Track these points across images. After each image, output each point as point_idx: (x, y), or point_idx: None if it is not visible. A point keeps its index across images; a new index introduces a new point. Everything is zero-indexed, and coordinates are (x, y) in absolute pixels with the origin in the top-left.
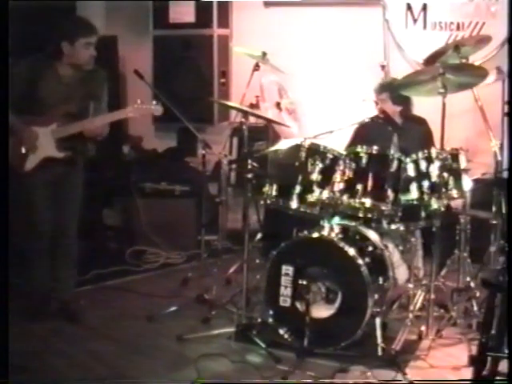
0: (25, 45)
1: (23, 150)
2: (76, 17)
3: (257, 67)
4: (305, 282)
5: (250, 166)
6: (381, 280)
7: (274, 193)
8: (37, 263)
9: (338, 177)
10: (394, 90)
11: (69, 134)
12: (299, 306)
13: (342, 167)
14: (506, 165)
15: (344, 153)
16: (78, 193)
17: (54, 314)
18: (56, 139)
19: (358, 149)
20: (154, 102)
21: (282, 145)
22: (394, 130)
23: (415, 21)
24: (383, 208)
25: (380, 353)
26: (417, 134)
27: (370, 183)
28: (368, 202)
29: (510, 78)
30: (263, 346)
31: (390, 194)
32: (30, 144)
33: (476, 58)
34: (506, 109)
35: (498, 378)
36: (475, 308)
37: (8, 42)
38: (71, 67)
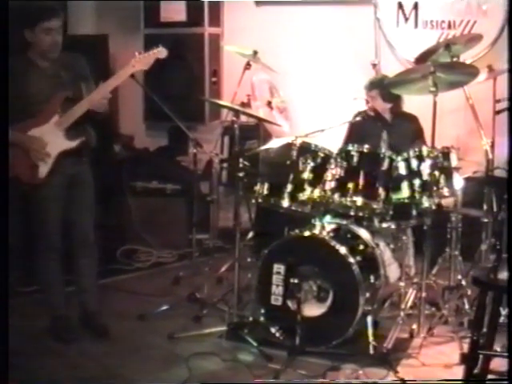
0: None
1: (32, 159)
2: (36, 2)
3: (248, 66)
4: (296, 281)
5: (241, 165)
6: (372, 278)
7: (265, 191)
8: (53, 280)
9: (329, 175)
10: (384, 87)
11: (75, 120)
12: (291, 304)
13: (333, 166)
14: (497, 163)
15: (335, 151)
16: (91, 192)
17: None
18: (64, 129)
19: (349, 147)
20: (157, 48)
21: (274, 143)
22: (384, 127)
23: (406, 19)
24: (374, 206)
25: (371, 351)
26: (407, 131)
27: (361, 182)
28: (359, 200)
29: (510, 74)
30: (255, 344)
31: (382, 192)
32: (38, 149)
33: (467, 57)
34: (500, 106)
35: (493, 377)
36: (466, 306)
37: (8, 43)
38: (41, 56)
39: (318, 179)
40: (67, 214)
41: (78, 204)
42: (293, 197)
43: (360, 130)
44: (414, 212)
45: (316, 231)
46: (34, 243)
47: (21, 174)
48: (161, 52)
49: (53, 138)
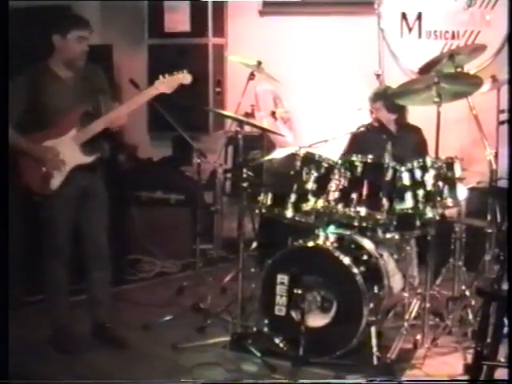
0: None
1: (44, 170)
2: (69, 11)
3: (252, 76)
4: (300, 291)
5: (245, 175)
6: (376, 289)
7: (269, 202)
8: (60, 290)
9: (333, 186)
10: (388, 98)
11: (92, 135)
12: (294, 314)
13: (337, 176)
14: (500, 174)
15: (339, 162)
16: (104, 204)
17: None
18: (80, 144)
19: (353, 158)
20: (182, 73)
21: (277, 154)
22: (388, 139)
23: (410, 30)
24: (378, 217)
25: (375, 362)
26: (411, 142)
27: (364, 192)
28: (363, 210)
29: (510, 85)
30: (258, 354)
31: (385, 202)
32: (52, 160)
33: (471, 67)
34: (504, 117)
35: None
36: (470, 316)
37: (8, 44)
38: (65, 65)
39: (321, 189)
40: (80, 225)
41: (90, 215)
42: (296, 207)
43: (363, 140)
44: (418, 222)
45: (320, 241)
46: (42, 253)
47: (32, 183)
48: (185, 77)
49: (68, 152)
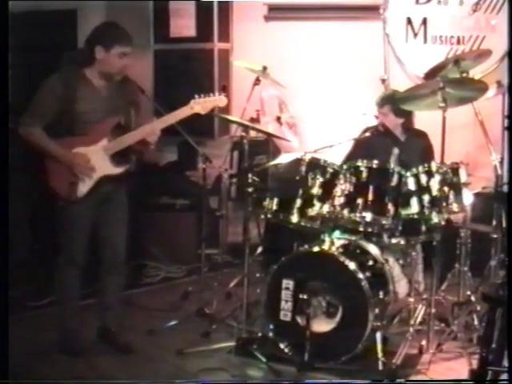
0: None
1: (74, 177)
2: (114, 24)
3: (257, 81)
4: (305, 296)
5: (250, 180)
6: (381, 294)
7: (274, 207)
8: (71, 295)
9: (338, 191)
10: (395, 102)
11: (123, 147)
12: (300, 320)
13: (342, 181)
14: (506, 179)
15: (344, 167)
16: (125, 210)
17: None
18: (111, 154)
19: (359, 163)
20: (216, 94)
21: (283, 159)
22: (394, 144)
23: (415, 35)
24: (384, 222)
25: (381, 367)
26: (417, 147)
27: (370, 197)
28: (368, 216)
29: (510, 92)
30: (264, 360)
31: (391, 207)
32: (83, 168)
33: (476, 72)
34: (506, 123)
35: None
36: (476, 322)
37: (8, 43)
38: (101, 76)
39: (327, 195)
40: (99, 230)
41: (110, 221)
42: (302, 212)
43: (367, 145)
44: (424, 228)
45: (325, 247)
46: (57, 257)
47: (59, 188)
48: (222, 101)
49: (98, 161)
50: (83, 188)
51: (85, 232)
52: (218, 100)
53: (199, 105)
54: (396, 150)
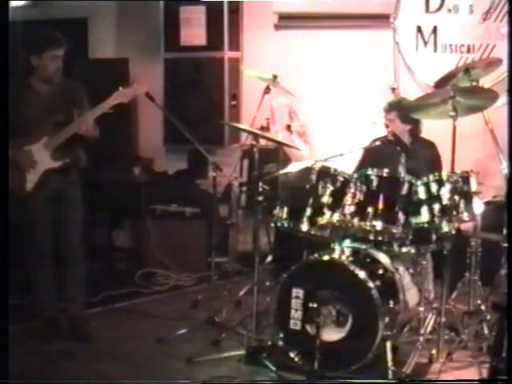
0: None
1: (21, 172)
2: (42, 30)
3: (267, 90)
4: (315, 305)
5: (260, 189)
6: (391, 303)
7: (284, 215)
8: (42, 285)
9: (348, 199)
10: (402, 109)
11: (61, 142)
12: (309, 329)
13: (352, 190)
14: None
15: (355, 175)
16: (78, 208)
17: (64, 334)
18: (51, 150)
19: (369, 171)
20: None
21: (293, 167)
22: (402, 151)
23: (426, 43)
24: (394, 231)
25: (391, 376)
26: (425, 156)
27: (380, 206)
28: (379, 224)
29: (510, 103)
30: (273, 369)
31: (401, 216)
32: (28, 163)
33: (486, 81)
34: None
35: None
36: (486, 331)
37: (8, 46)
38: (42, 80)
39: (337, 203)
40: (55, 227)
41: (63, 219)
42: (312, 221)
43: (377, 154)
44: (434, 236)
45: (335, 255)
46: (24, 253)
47: (11, 184)
48: (140, 88)
49: (40, 157)
50: (30, 183)
51: (44, 226)
52: (136, 88)
53: (121, 96)
54: (403, 158)
